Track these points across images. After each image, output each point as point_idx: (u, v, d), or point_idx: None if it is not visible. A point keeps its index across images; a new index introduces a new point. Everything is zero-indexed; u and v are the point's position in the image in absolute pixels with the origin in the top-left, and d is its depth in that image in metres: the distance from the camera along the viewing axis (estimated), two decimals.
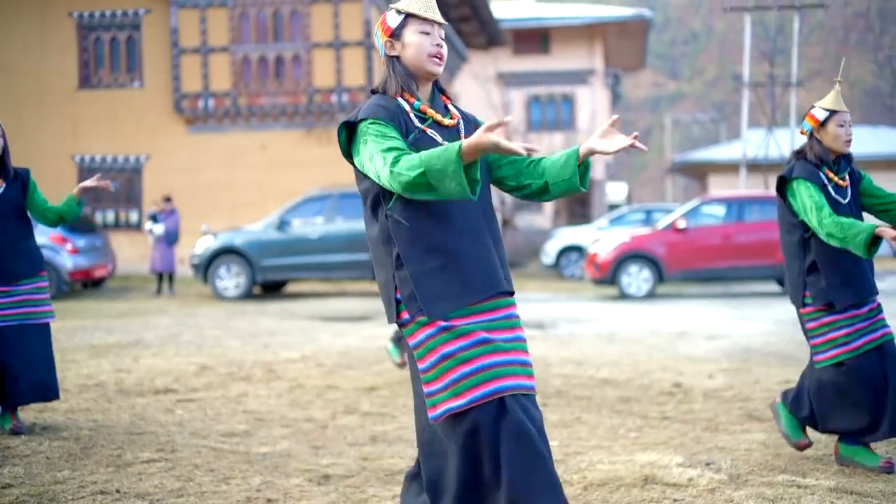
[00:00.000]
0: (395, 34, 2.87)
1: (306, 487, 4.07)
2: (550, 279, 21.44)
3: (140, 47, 21.28)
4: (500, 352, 2.70)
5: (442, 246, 2.73)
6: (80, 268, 15.39)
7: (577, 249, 21.35)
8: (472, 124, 2.97)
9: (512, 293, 2.87)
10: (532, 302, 15.25)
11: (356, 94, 20.25)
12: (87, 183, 5.28)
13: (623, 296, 15.49)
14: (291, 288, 17.51)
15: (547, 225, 31.06)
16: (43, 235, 15.03)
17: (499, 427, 2.64)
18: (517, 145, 2.45)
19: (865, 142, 34.33)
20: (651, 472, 4.21)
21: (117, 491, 3.95)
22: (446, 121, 2.87)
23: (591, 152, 2.76)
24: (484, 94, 30.37)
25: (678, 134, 61.64)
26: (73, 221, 5.26)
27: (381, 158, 2.63)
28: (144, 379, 6.91)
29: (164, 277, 16.38)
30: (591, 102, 32.91)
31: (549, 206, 32.73)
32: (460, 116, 2.95)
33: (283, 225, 15.30)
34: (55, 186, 20.93)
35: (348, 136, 2.85)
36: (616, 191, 40.03)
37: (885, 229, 3.94)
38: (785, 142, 26.15)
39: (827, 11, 33.55)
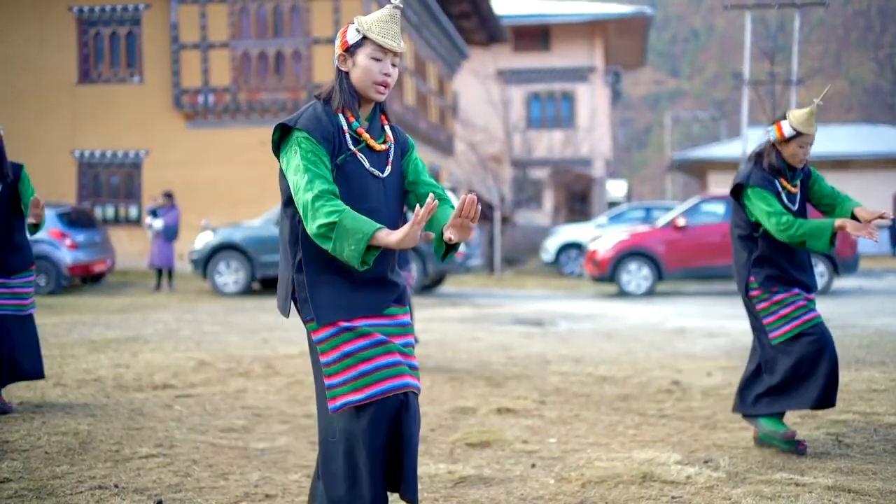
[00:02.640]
0: (349, 50, 2.89)
1: (304, 483, 4.07)
2: (550, 276, 21.44)
3: (140, 42, 21.25)
4: (395, 353, 2.87)
5: (342, 265, 2.83)
6: (79, 263, 15.38)
7: (577, 247, 21.36)
8: (401, 149, 3.02)
9: (403, 303, 3.01)
10: (531, 299, 15.26)
11: None
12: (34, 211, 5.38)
13: (622, 293, 15.49)
14: None
15: (546, 222, 31.04)
16: (42, 230, 15.04)
17: (400, 419, 2.83)
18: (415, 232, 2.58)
19: (865, 140, 34.36)
20: (649, 469, 4.21)
21: (116, 486, 3.95)
22: (378, 145, 2.92)
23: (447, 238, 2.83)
24: (484, 91, 30.35)
25: (678, 132, 61.66)
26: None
27: (305, 184, 2.73)
28: (143, 374, 6.91)
29: (164, 273, 16.38)
30: (591, 100, 32.88)
31: (548, 204, 32.72)
32: (393, 140, 2.99)
33: None
34: (54, 181, 20.99)
35: (281, 135, 2.91)
36: (616, 188, 40.02)
37: (846, 223, 4.24)
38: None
39: (827, 9, 33.55)
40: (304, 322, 2.93)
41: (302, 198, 2.72)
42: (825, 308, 12.46)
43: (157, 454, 4.50)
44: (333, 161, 2.83)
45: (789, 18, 32.65)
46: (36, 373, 5.54)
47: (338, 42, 2.92)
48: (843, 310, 12.43)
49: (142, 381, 6.63)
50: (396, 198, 2.99)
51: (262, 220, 15.72)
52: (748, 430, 5.11)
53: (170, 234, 16.06)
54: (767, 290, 4.59)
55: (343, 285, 2.85)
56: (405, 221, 2.95)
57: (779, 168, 4.57)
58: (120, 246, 19.72)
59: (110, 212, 21.37)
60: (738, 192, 4.65)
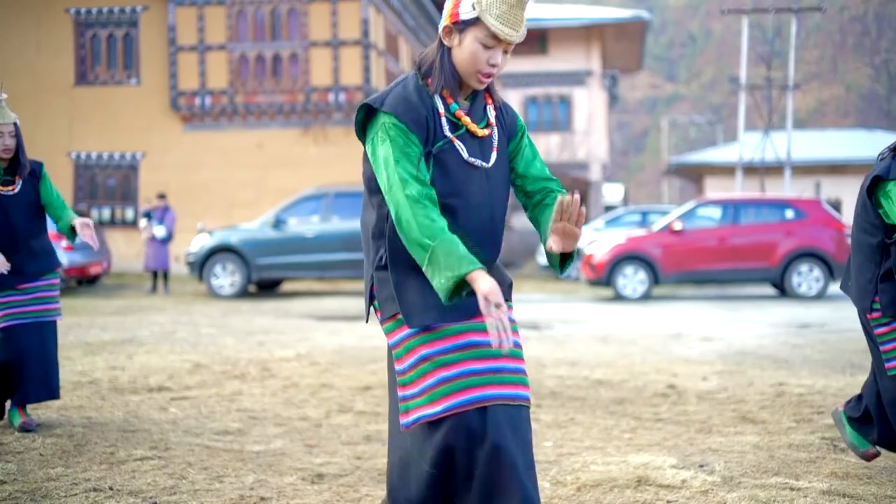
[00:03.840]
0: (458, 25, 2.47)
1: (300, 486, 4.06)
2: (546, 280, 21.45)
3: (137, 44, 21.27)
4: (487, 358, 2.45)
5: None
6: (75, 265, 15.37)
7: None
8: (508, 133, 2.65)
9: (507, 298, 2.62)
10: (528, 302, 15.26)
11: (353, 93, 20.25)
12: (85, 232, 5.14)
13: (618, 297, 15.50)
14: (286, 287, 17.50)
15: None
16: None
17: (474, 441, 2.41)
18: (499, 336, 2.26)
19: (862, 146, 34.43)
20: (644, 473, 4.21)
21: (110, 488, 3.94)
22: (480, 131, 2.54)
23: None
24: None
25: (675, 136, 61.72)
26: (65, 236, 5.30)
27: (399, 182, 2.39)
28: (138, 376, 6.90)
29: (159, 275, 16.36)
30: (589, 104, 32.91)
31: None
32: (496, 124, 2.61)
33: (278, 223, 15.29)
34: None
35: (366, 116, 2.54)
36: (612, 192, 40.05)
37: None
38: (781, 144, 26.18)
39: (824, 15, 33.66)
40: (381, 322, 2.55)
41: (395, 198, 2.38)
42: (821, 313, 12.51)
43: (152, 457, 4.49)
44: (428, 150, 2.46)
45: (786, 23, 32.72)
46: (53, 390, 5.14)
47: (448, 9, 2.49)
48: (839, 314, 12.44)
49: (137, 383, 6.62)
50: (503, 189, 2.60)
51: (258, 223, 15.71)
52: (743, 434, 5.11)
53: (165, 237, 16.06)
54: (892, 314, 3.85)
55: (434, 291, 2.43)
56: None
57: None
58: (116, 248, 19.71)
59: (106, 214, 21.38)
60: (873, 188, 3.82)
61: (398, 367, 2.52)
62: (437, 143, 2.48)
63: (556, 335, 10.26)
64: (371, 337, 9.51)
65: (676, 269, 15.41)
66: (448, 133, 2.49)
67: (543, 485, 4.14)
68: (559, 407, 5.99)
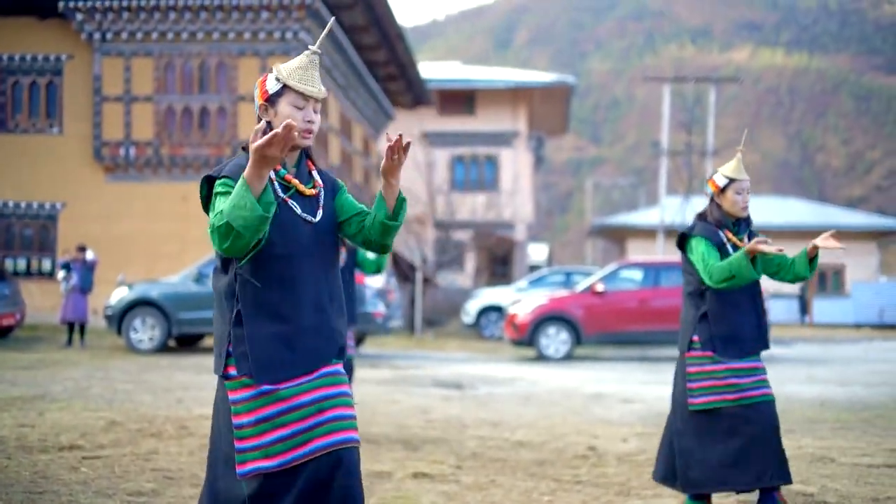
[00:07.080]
0: (270, 99, 2.85)
1: None
2: (470, 339, 21.49)
3: (61, 93, 20.95)
4: (320, 412, 2.80)
5: (282, 313, 2.80)
6: None
7: (497, 310, 21.50)
8: (332, 192, 2.99)
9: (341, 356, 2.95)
10: (451, 362, 15.26)
11: None
12: None
13: (541, 357, 15.61)
14: (208, 342, 17.19)
15: (468, 284, 31.20)
16: None
17: (299, 485, 2.75)
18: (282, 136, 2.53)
19: (775, 212, 35.54)
20: None
21: None
22: (308, 190, 2.89)
23: (387, 183, 2.86)
24: (409, 153, 30.61)
25: (599, 198, 62.92)
26: None
27: (223, 209, 2.63)
28: (49, 434, 6.68)
29: (76, 328, 15.93)
30: (515, 164, 33.41)
31: (470, 266, 32.93)
32: (322, 184, 2.96)
33: (201, 277, 15.07)
34: None
35: (209, 189, 2.85)
36: (537, 252, 40.53)
37: (754, 245, 4.25)
38: (701, 209, 26.89)
39: (741, 86, 34.87)
40: (224, 378, 2.83)
41: (220, 214, 2.61)
42: None
43: None
44: None
45: (705, 93, 33.84)
46: None
47: (257, 93, 2.88)
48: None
49: (47, 441, 6.41)
50: (330, 242, 2.94)
51: (180, 277, 15.47)
52: (661, 497, 5.16)
53: (85, 287, 15.68)
54: (706, 355, 4.53)
55: (284, 337, 2.78)
56: (345, 267, 2.89)
57: (721, 220, 4.61)
58: (31, 300, 19.15)
59: (22, 264, 20.81)
60: (682, 244, 4.68)
61: (236, 420, 2.80)
62: None
63: (479, 395, 10.26)
64: None
65: (598, 329, 15.61)
66: (281, 194, 2.84)
67: None
68: (480, 468, 5.98)
